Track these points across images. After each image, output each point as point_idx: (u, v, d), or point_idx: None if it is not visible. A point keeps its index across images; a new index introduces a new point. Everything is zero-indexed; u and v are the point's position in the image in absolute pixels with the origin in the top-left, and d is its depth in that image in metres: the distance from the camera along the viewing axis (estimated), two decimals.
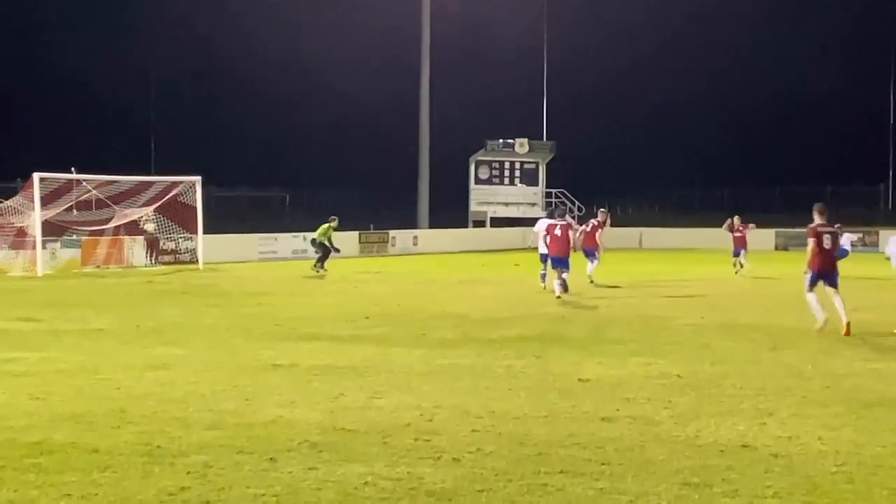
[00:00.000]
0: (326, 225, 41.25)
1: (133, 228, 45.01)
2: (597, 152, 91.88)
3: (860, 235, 61.87)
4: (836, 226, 23.09)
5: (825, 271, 22.02)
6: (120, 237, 44.54)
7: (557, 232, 29.72)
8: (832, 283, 22.00)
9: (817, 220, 22.42)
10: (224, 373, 16.33)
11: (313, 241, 41.48)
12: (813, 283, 22.11)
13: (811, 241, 22.22)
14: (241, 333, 21.48)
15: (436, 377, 16.01)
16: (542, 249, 31.72)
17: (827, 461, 10.92)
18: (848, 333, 20.87)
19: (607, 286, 33.80)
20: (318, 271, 39.57)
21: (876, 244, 60.54)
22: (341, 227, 52.84)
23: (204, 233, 45.65)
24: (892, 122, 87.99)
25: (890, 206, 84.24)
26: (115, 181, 44.12)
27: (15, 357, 17.97)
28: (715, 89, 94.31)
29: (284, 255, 51.29)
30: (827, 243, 22.04)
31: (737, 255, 39.12)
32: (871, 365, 17.23)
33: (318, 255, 40.76)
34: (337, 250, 41.11)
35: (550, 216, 31.87)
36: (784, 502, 9.51)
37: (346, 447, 11.46)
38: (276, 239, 52.96)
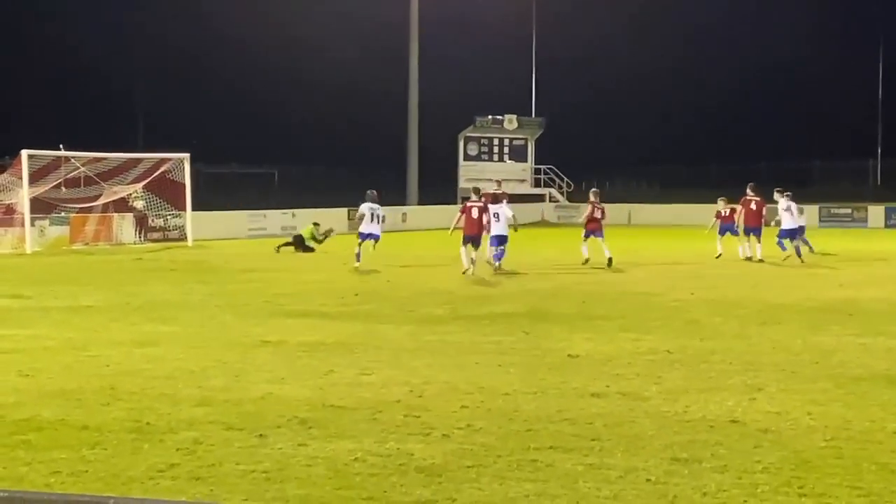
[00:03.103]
0: (311, 227, 41.27)
1: (122, 205, 44.88)
2: (586, 129, 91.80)
3: (850, 210, 62.00)
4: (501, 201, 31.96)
5: (472, 235, 30.15)
6: (109, 214, 44.41)
7: (474, 214, 30.69)
8: (478, 245, 30.33)
9: (473, 197, 31.75)
10: (213, 349, 16.33)
11: (296, 238, 40.99)
12: (465, 242, 30.16)
13: (459, 213, 31.65)
14: (230, 310, 21.47)
15: (425, 353, 16.02)
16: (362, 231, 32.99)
17: (816, 436, 10.95)
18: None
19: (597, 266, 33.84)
20: (281, 249, 39.59)
21: (865, 220, 60.65)
22: (331, 205, 52.94)
23: (193, 209, 45.57)
24: (880, 97, 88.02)
25: (878, 182, 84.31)
26: (104, 158, 43.97)
27: (3, 334, 17.95)
28: (703, 65, 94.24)
29: (273, 232, 51.19)
30: (474, 214, 30.36)
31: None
32: (859, 340, 17.27)
33: (289, 243, 40.33)
34: (312, 250, 40.81)
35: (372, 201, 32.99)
36: (773, 477, 9.53)
37: (336, 423, 11.47)
38: (265, 216, 52.91)
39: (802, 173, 77.99)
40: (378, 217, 32.58)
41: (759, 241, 34.71)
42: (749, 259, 34.33)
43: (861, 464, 9.96)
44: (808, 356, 15.71)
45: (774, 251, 34.20)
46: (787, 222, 34.51)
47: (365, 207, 32.54)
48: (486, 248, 31.56)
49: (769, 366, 14.89)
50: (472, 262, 29.78)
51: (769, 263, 33.14)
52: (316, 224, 41.63)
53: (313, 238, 40.64)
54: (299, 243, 40.22)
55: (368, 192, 33.49)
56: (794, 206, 34.92)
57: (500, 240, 31.18)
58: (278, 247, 39.94)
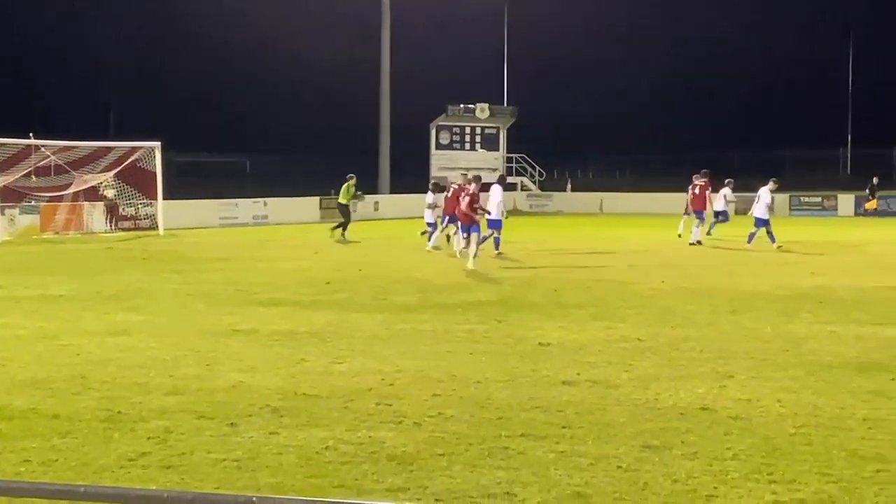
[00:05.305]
0: (346, 184, 40.99)
1: (92, 194, 44.67)
2: (558, 117, 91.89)
3: (820, 199, 62.25)
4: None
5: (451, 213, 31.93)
6: (79, 203, 44.20)
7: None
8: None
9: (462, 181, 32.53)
10: (185, 338, 16.30)
11: (340, 206, 41.07)
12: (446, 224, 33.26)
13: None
14: (202, 299, 21.41)
15: (397, 342, 16.03)
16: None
17: (786, 423, 11.02)
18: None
19: (567, 252, 33.87)
20: (343, 237, 39.43)
21: (835, 208, 60.92)
22: (306, 193, 52.79)
23: (164, 198, 45.42)
24: (850, 87, 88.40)
25: (849, 171, 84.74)
26: (74, 147, 43.75)
27: None
28: (677, 56, 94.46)
29: (245, 221, 51.14)
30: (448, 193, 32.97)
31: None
32: (829, 328, 17.35)
33: (342, 221, 40.31)
34: (362, 198, 41.77)
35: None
36: (743, 464, 9.58)
37: (308, 412, 11.47)
38: (236, 204, 52.75)
39: (773, 162, 78.36)
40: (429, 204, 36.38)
41: (699, 225, 36.78)
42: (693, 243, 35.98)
43: (831, 450, 10.02)
44: (779, 344, 15.78)
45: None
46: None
47: None
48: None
49: (740, 353, 14.96)
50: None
51: (742, 251, 33.32)
52: (350, 177, 41.26)
53: (353, 197, 40.82)
54: (345, 213, 40.34)
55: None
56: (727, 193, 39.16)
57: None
58: (336, 232, 39.78)
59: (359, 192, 41.24)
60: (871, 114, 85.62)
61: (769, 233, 34.68)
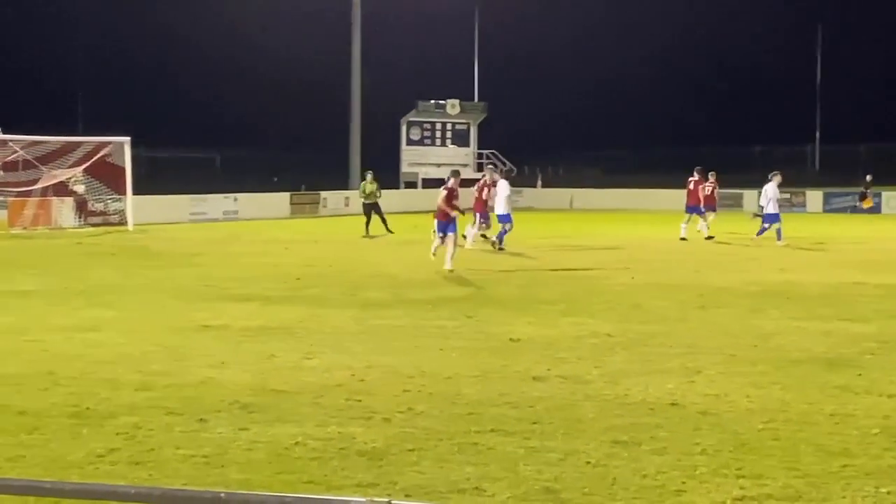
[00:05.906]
0: (363, 182, 40.96)
1: (61, 189, 44.42)
2: (528, 113, 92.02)
3: (788, 196, 62.51)
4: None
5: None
6: (48, 198, 43.96)
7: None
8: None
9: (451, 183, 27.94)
10: (154, 334, 16.24)
11: (365, 205, 40.82)
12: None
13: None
14: (172, 294, 21.34)
15: (368, 337, 16.02)
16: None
17: (754, 418, 11.06)
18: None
19: (540, 248, 33.91)
20: (367, 232, 39.31)
21: (803, 204, 61.15)
22: (276, 188, 52.55)
23: (133, 194, 45.21)
24: (818, 83, 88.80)
25: (817, 167, 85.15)
26: (43, 142, 43.52)
27: None
28: (646, 51, 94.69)
29: (215, 216, 50.94)
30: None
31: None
32: (797, 323, 17.43)
33: (382, 221, 39.78)
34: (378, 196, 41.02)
35: None
36: (712, 459, 9.62)
37: (277, 408, 11.45)
38: (206, 200, 52.56)
39: (742, 158, 78.77)
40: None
41: (701, 220, 37.05)
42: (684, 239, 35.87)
43: (798, 445, 10.07)
44: (748, 339, 15.84)
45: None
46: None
47: None
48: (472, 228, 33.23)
49: (709, 349, 15.00)
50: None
51: (711, 247, 33.44)
52: (367, 171, 40.87)
53: (373, 194, 40.57)
54: (376, 210, 40.02)
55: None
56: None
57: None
58: (387, 228, 39.32)
59: (378, 192, 40.82)
60: (839, 111, 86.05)
61: (763, 227, 35.28)
